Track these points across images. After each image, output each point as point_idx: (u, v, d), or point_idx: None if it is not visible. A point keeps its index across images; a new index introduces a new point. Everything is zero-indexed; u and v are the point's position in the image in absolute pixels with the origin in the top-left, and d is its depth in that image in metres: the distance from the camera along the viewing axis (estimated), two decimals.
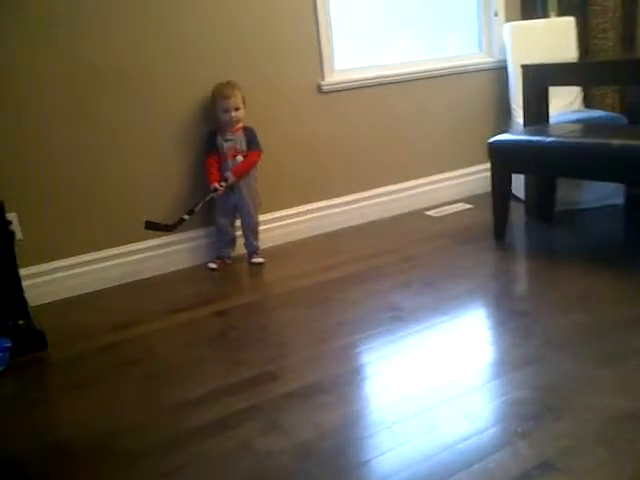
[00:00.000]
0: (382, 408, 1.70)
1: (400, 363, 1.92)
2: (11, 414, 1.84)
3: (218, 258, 2.91)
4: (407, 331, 2.10)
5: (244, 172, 2.82)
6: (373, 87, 3.31)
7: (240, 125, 2.82)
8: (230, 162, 2.81)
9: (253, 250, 2.92)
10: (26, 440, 1.69)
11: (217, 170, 2.82)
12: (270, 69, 3.01)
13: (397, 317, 2.21)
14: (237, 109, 2.77)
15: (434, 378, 1.81)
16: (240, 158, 2.82)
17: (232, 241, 2.94)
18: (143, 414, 1.77)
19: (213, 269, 2.86)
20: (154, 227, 2.76)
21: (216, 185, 2.79)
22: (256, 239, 2.93)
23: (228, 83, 2.79)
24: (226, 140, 2.81)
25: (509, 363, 1.85)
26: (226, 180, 2.80)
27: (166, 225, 2.78)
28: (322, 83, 3.15)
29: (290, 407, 1.71)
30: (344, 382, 1.82)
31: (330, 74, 3.18)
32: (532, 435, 1.50)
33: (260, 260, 2.89)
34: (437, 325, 2.13)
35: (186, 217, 2.80)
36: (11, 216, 2.39)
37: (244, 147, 2.83)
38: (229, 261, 2.93)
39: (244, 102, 2.80)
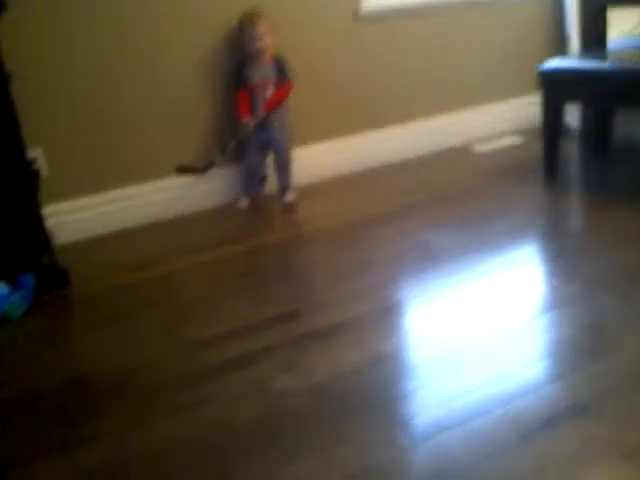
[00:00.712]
0: (404, 350, 1.64)
1: (428, 304, 1.84)
2: (33, 349, 1.87)
3: (248, 196, 2.84)
4: (438, 271, 2.00)
5: (275, 105, 2.71)
6: (415, 13, 3.11)
7: (269, 54, 2.69)
8: (261, 95, 2.71)
9: (285, 188, 2.83)
10: (46, 374, 1.71)
11: (247, 104, 2.71)
12: None
13: (429, 256, 2.10)
14: (264, 38, 2.64)
15: (463, 320, 1.72)
16: (270, 91, 2.70)
17: (263, 179, 2.86)
18: (161, 351, 1.76)
19: (244, 207, 2.81)
20: (185, 170, 2.71)
21: (247, 121, 2.70)
22: (289, 176, 2.83)
23: (254, 12, 2.66)
24: (255, 72, 2.70)
25: (547, 303, 1.76)
26: (257, 115, 2.70)
27: (197, 167, 2.72)
28: (359, 9, 2.98)
29: (309, 347, 1.66)
30: (366, 323, 1.75)
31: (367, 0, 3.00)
32: (566, 377, 1.42)
33: (292, 198, 2.80)
34: (471, 264, 2.02)
35: (219, 158, 2.74)
36: (36, 152, 2.38)
37: (274, 78, 2.70)
38: (260, 199, 2.86)
39: (273, 30, 2.67)
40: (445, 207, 2.52)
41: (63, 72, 2.50)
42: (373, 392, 1.45)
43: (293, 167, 2.82)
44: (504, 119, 3.44)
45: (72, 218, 2.60)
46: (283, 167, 2.79)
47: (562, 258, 1.99)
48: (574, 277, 1.85)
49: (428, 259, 2.08)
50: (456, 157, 3.16)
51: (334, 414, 1.39)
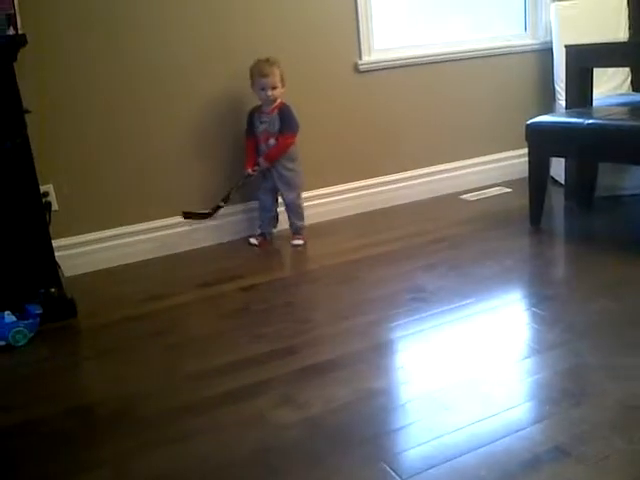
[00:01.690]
0: (396, 386, 1.70)
1: (418, 344, 1.91)
2: (37, 377, 1.91)
3: (260, 235, 2.93)
4: (428, 312, 2.08)
5: (275, 157, 2.81)
6: (412, 67, 3.26)
7: (276, 104, 2.78)
8: (264, 145, 2.81)
9: (294, 230, 2.92)
10: (48, 402, 1.75)
11: (253, 154, 2.83)
12: (306, 47, 3.01)
13: (420, 298, 2.19)
14: (274, 88, 2.74)
15: (452, 360, 1.79)
16: (273, 141, 2.80)
17: (273, 218, 2.95)
18: (163, 382, 1.81)
19: (254, 244, 2.89)
20: (192, 216, 2.84)
21: (249, 171, 2.81)
22: (298, 219, 2.91)
23: (267, 60, 2.74)
24: (261, 122, 2.80)
25: (530, 347, 1.81)
26: (259, 165, 2.81)
27: (203, 213, 2.84)
28: (359, 62, 3.12)
29: (305, 381, 1.72)
30: (360, 359, 1.82)
31: (368, 53, 3.15)
32: (547, 420, 1.47)
33: (298, 242, 2.87)
34: (460, 308, 2.10)
35: (222, 204, 2.87)
36: (47, 187, 2.47)
37: (277, 129, 2.79)
38: (269, 238, 2.94)
39: (283, 80, 2.76)
40: (438, 251, 2.62)
41: (75, 110, 2.61)
42: (365, 427, 1.50)
43: (302, 211, 2.90)
44: (494, 170, 3.58)
45: (80, 251, 2.68)
46: (292, 210, 2.89)
47: (545, 304, 2.06)
48: (556, 322, 1.93)
49: (420, 301, 2.17)
50: (448, 204, 3.30)
51: (328, 448, 1.44)
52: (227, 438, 1.51)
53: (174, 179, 2.86)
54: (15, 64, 2.05)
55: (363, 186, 3.27)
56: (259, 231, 2.94)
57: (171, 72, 2.76)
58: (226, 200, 2.85)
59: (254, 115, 2.83)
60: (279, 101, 2.79)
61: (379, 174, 3.29)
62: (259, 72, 2.73)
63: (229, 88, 2.89)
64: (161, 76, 2.75)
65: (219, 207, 2.85)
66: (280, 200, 2.93)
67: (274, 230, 2.97)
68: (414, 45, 3.30)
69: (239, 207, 3.00)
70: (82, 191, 2.67)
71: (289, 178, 2.85)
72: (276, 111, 2.79)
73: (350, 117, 3.16)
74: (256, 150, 2.83)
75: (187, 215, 2.83)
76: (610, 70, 3.36)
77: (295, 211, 2.89)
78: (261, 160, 2.80)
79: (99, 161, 2.69)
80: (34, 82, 2.41)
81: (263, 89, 2.74)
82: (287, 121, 2.79)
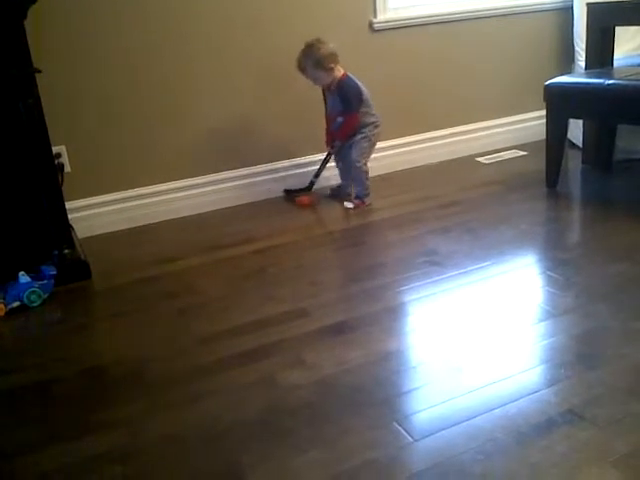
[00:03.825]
0: (408, 349, 1.69)
1: (431, 306, 1.90)
2: (51, 338, 1.92)
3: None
4: (442, 276, 2.07)
5: (345, 136, 2.78)
6: (428, 26, 3.18)
7: (334, 83, 2.72)
8: (332, 125, 2.80)
9: (350, 195, 2.90)
10: (62, 363, 1.76)
11: (328, 131, 2.85)
12: (321, 4, 2.93)
13: (434, 262, 2.17)
14: (317, 78, 2.70)
15: (465, 323, 1.78)
16: (340, 119, 2.76)
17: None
18: (175, 344, 1.82)
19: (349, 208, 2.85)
20: (293, 192, 2.98)
21: (328, 149, 2.87)
22: (358, 185, 2.84)
23: (300, 55, 2.68)
24: (327, 101, 2.81)
25: (545, 311, 1.80)
26: (334, 144, 2.84)
27: (301, 189, 2.97)
28: (374, 21, 3.05)
29: (316, 343, 1.73)
30: (372, 321, 1.81)
31: (383, 11, 3.07)
32: (561, 383, 1.46)
33: (349, 205, 2.83)
34: (474, 271, 2.08)
35: (314, 179, 2.96)
36: (60, 148, 2.45)
37: (339, 108, 2.75)
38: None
39: (324, 65, 2.65)
40: (451, 215, 2.59)
41: (88, 68, 2.57)
42: (376, 388, 1.50)
43: (363, 180, 2.83)
44: (511, 132, 3.52)
45: (94, 213, 2.68)
46: (354, 176, 2.85)
47: (561, 267, 2.05)
48: (572, 286, 1.91)
49: (434, 264, 2.15)
50: (463, 167, 3.25)
51: (339, 408, 1.44)
52: (238, 399, 1.52)
53: (192, 140, 2.83)
54: (25, 22, 2.02)
55: (378, 149, 3.21)
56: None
57: (194, 27, 2.71)
58: (317, 175, 2.94)
59: (324, 92, 2.83)
60: (337, 79, 2.72)
61: (393, 136, 3.24)
62: (298, 68, 2.71)
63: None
64: (184, 30, 2.70)
65: (312, 183, 2.96)
66: None
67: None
68: (430, 3, 3.21)
69: (243, 171, 2.98)
70: (96, 152, 2.65)
71: (361, 147, 2.79)
72: (335, 90, 2.75)
73: (364, 77, 3.07)
74: (329, 127, 2.84)
75: (288, 192, 2.99)
76: (631, 30, 3.26)
77: (357, 177, 2.83)
78: (337, 142, 2.81)
79: (114, 122, 2.66)
80: (45, 40, 2.37)
81: (311, 81, 2.74)
82: (345, 101, 2.72)
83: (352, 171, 2.82)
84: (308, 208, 2.86)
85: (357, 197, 2.83)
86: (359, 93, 2.72)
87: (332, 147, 2.84)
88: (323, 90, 2.83)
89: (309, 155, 3.08)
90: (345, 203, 2.84)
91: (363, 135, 2.77)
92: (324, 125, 2.87)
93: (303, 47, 2.67)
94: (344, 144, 2.81)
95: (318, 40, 2.66)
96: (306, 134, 3.01)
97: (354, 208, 2.79)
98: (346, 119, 2.74)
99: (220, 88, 2.83)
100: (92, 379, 1.68)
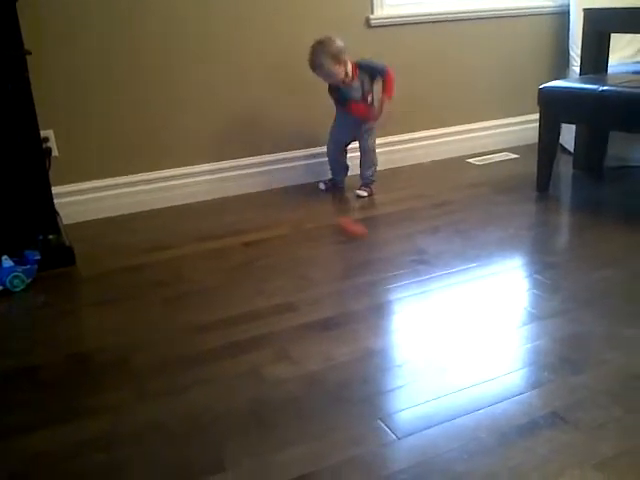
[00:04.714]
0: (394, 347, 1.69)
1: (418, 305, 1.90)
2: (35, 324, 1.90)
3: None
4: (430, 275, 2.07)
5: (392, 91, 2.77)
6: (424, 24, 3.18)
7: (349, 76, 2.73)
8: (357, 109, 2.80)
9: (363, 180, 2.92)
10: (47, 349, 1.74)
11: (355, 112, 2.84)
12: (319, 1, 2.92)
13: (422, 261, 2.17)
14: (333, 73, 2.68)
15: (451, 323, 1.78)
16: (369, 99, 2.78)
17: (344, 167, 3.01)
18: (162, 333, 1.80)
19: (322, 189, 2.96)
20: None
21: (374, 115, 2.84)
22: (367, 168, 2.88)
23: (310, 54, 2.66)
24: (349, 92, 2.77)
25: (531, 314, 1.80)
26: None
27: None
28: (371, 17, 3.04)
29: (303, 338, 1.72)
30: (360, 318, 1.81)
31: (380, 7, 3.07)
32: (544, 386, 1.46)
33: (363, 193, 2.85)
34: (461, 272, 2.08)
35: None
36: (47, 132, 2.42)
37: (369, 87, 2.76)
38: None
39: (338, 60, 2.65)
40: (442, 214, 2.59)
41: (77, 51, 2.53)
42: (362, 385, 1.50)
43: (376, 163, 2.88)
44: (502, 135, 3.52)
45: (81, 199, 2.65)
46: (364, 158, 2.87)
47: (548, 271, 2.05)
48: (558, 290, 1.91)
49: (422, 263, 2.15)
50: (454, 168, 3.25)
51: (324, 404, 1.44)
52: (223, 391, 1.51)
53: (187, 127, 2.80)
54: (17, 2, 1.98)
55: None
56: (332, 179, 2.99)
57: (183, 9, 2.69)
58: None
59: (335, 91, 2.80)
60: (351, 71, 2.73)
61: (385, 134, 3.23)
62: (311, 67, 2.70)
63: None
64: (177, 14, 2.68)
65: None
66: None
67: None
68: (427, 2, 3.21)
69: (238, 162, 2.96)
70: (85, 137, 2.61)
71: (373, 130, 2.84)
72: (356, 79, 2.75)
73: None
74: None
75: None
76: (626, 37, 3.27)
77: (373, 161, 2.85)
78: (382, 99, 2.77)
79: (103, 106, 2.62)
80: (36, 21, 2.33)
81: (326, 79, 2.74)
82: (373, 70, 2.75)
83: (367, 156, 2.85)
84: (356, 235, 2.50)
85: (366, 184, 2.86)
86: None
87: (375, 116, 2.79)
88: (331, 89, 2.80)
89: (309, 148, 3.08)
90: (358, 192, 2.85)
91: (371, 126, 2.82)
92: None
93: (314, 45, 2.66)
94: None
95: (327, 36, 2.67)
96: (307, 127, 3.01)
97: (368, 196, 2.83)
98: (387, 79, 2.73)
99: (218, 75, 2.81)
100: (77, 365, 1.67)
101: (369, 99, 2.78)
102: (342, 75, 2.70)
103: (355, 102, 2.77)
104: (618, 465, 1.22)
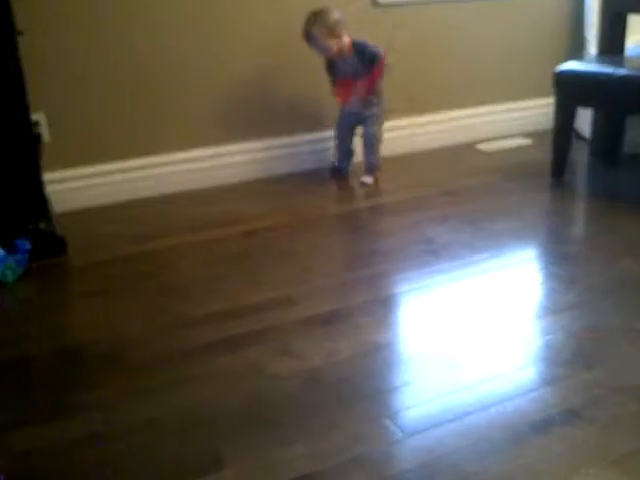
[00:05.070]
0: (401, 341, 1.63)
1: (426, 298, 1.83)
2: (27, 315, 1.85)
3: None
4: (439, 266, 1.99)
5: (372, 87, 2.69)
6: (431, 4, 3.07)
7: (347, 49, 2.63)
8: (353, 88, 2.70)
9: (367, 167, 2.81)
10: (37, 341, 1.69)
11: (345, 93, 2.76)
12: None
13: (431, 251, 2.09)
14: (328, 47, 2.58)
15: (460, 316, 1.71)
16: (363, 81, 2.69)
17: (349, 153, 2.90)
18: (156, 325, 1.74)
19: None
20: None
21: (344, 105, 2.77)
22: (371, 154, 2.77)
23: (305, 27, 2.56)
24: (344, 65, 2.68)
25: (546, 307, 1.74)
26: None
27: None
28: None
29: (304, 333, 1.65)
30: (364, 312, 1.74)
31: None
32: (559, 382, 1.41)
33: (368, 180, 2.75)
34: (472, 263, 2.00)
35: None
36: (38, 116, 2.34)
37: (362, 67, 2.66)
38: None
39: (334, 33, 2.55)
40: (451, 203, 2.50)
41: (69, 31, 2.43)
42: (367, 381, 1.45)
43: (380, 149, 2.78)
44: (513, 120, 3.42)
45: (73, 186, 2.56)
46: (367, 145, 2.77)
47: (563, 262, 1.98)
48: (574, 282, 1.84)
49: (430, 254, 2.07)
50: (464, 154, 3.14)
51: (327, 401, 1.38)
52: (220, 387, 1.46)
53: (184, 110, 2.71)
54: None
55: None
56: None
57: None
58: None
59: (331, 65, 2.72)
60: (348, 45, 2.63)
61: (392, 118, 3.12)
62: (306, 41, 2.59)
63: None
64: None
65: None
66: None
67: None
68: None
69: (238, 147, 2.88)
70: (78, 121, 2.53)
71: (378, 113, 2.74)
72: (353, 52, 2.64)
73: None
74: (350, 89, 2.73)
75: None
76: None
77: (376, 146, 2.76)
78: (360, 92, 2.69)
79: (98, 88, 2.53)
80: (27, 1, 2.24)
81: (321, 52, 2.64)
82: (369, 53, 2.63)
83: (371, 142, 2.73)
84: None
85: (371, 170, 2.75)
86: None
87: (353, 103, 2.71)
88: (328, 63, 2.71)
89: (313, 132, 2.98)
90: (363, 179, 2.75)
91: (377, 103, 2.72)
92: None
93: (309, 16, 2.56)
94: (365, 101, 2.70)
95: (325, 7, 2.57)
96: (311, 109, 2.93)
97: (373, 183, 2.74)
98: (371, 73, 2.65)
99: (217, 52, 2.71)
100: (68, 359, 1.63)
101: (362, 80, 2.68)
102: (334, 50, 2.60)
103: (351, 78, 2.67)
104: (635, 462, 1.19)
